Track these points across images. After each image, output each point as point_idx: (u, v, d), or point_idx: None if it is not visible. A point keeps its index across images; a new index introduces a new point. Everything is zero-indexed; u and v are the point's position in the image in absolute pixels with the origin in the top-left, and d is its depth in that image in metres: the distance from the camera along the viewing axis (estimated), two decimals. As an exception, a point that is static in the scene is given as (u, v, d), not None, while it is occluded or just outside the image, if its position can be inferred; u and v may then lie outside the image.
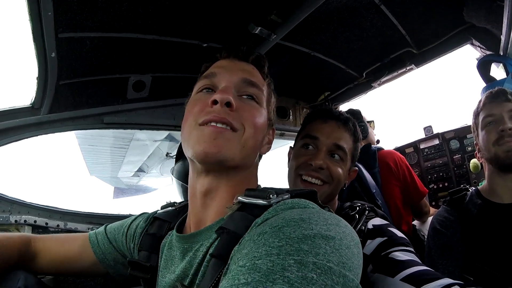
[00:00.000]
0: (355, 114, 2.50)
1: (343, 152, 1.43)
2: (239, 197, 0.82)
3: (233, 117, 0.88)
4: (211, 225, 0.87)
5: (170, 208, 1.15)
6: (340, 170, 1.41)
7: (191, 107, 0.94)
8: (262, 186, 0.96)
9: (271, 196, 0.79)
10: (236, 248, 0.68)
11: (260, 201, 0.78)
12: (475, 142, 1.73)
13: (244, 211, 0.79)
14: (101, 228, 1.23)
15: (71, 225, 2.06)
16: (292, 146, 1.61)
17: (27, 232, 1.92)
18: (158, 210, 1.17)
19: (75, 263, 1.18)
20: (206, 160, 0.86)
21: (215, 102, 0.88)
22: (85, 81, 1.91)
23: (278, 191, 0.82)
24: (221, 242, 0.76)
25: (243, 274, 0.52)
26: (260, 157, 1.07)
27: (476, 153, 1.73)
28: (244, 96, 0.96)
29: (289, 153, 1.61)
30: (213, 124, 0.86)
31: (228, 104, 0.88)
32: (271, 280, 0.49)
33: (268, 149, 1.08)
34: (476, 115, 1.68)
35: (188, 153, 0.91)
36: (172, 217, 1.10)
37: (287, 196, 0.80)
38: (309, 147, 1.45)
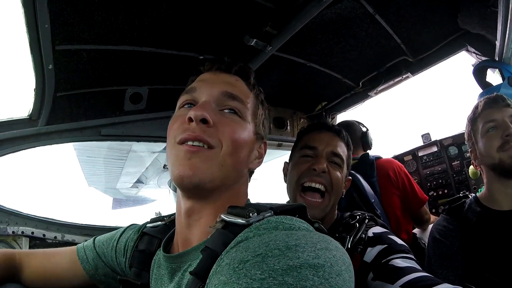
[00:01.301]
0: (349, 126, 2.51)
1: (340, 159, 1.47)
2: (221, 215, 0.78)
3: (209, 133, 0.84)
4: (198, 245, 0.83)
5: (160, 222, 1.10)
6: (339, 174, 1.45)
7: (171, 124, 0.91)
8: (251, 201, 0.93)
9: (251, 214, 0.75)
10: (214, 268, 0.64)
11: (239, 220, 0.74)
12: (470, 149, 1.70)
13: (226, 229, 0.75)
14: (90, 242, 1.19)
15: (68, 237, 2.05)
16: (287, 161, 1.63)
17: (24, 244, 1.92)
18: (147, 223, 1.13)
19: (64, 279, 1.16)
20: (183, 184, 0.83)
21: (190, 119, 0.84)
22: (82, 93, 1.92)
23: (261, 208, 0.78)
24: (201, 260, 0.73)
25: None
26: (251, 173, 1.03)
27: (472, 162, 1.71)
28: (226, 110, 0.91)
29: (284, 169, 1.63)
30: (189, 143, 0.83)
31: (204, 121, 0.84)
32: None
33: (259, 163, 1.03)
34: (473, 121, 1.65)
35: (170, 174, 0.88)
36: (161, 233, 1.05)
37: (269, 213, 0.76)
38: (309, 156, 1.48)
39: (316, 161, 1.44)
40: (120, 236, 1.14)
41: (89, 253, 1.15)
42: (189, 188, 0.84)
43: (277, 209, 0.79)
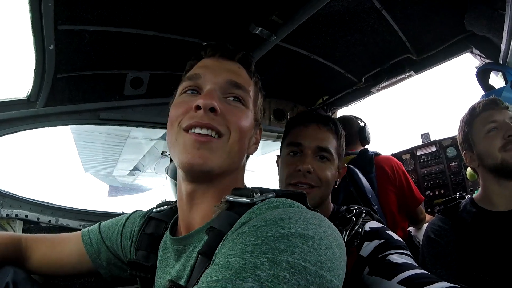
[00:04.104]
0: (346, 121, 2.51)
1: (328, 153, 1.45)
2: (226, 196, 0.83)
3: (218, 122, 0.86)
4: (202, 227, 0.87)
5: (166, 207, 1.14)
6: (328, 172, 1.44)
7: (175, 110, 0.92)
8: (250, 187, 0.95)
9: (254, 194, 0.80)
10: (219, 247, 0.69)
11: (244, 199, 0.79)
12: (464, 152, 1.70)
13: (231, 211, 0.79)
14: (95, 226, 1.22)
15: (62, 221, 2.04)
16: (279, 154, 1.63)
17: (18, 227, 1.90)
18: (153, 208, 1.16)
19: (68, 264, 1.17)
20: (192, 171, 0.85)
21: (198, 107, 0.86)
22: (82, 76, 1.89)
23: (263, 190, 0.83)
24: (208, 240, 0.77)
25: (215, 272, 0.52)
26: (247, 157, 1.05)
27: (468, 165, 1.72)
28: (230, 98, 0.93)
29: (277, 161, 1.64)
30: (197, 131, 0.85)
31: (212, 110, 0.85)
32: (241, 278, 0.49)
33: (256, 149, 1.06)
34: (470, 123, 1.65)
35: (174, 160, 0.90)
36: (168, 217, 1.09)
37: (272, 195, 0.81)
38: (296, 154, 1.48)
39: (301, 160, 1.43)
40: (126, 220, 1.17)
41: (93, 237, 1.18)
42: (197, 174, 0.86)
43: (280, 192, 0.84)
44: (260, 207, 0.75)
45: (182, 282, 0.83)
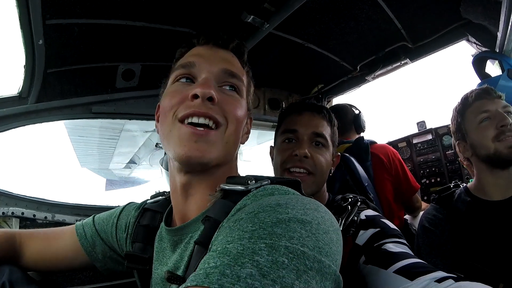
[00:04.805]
0: (341, 109, 2.50)
1: (323, 138, 1.47)
2: (221, 185, 0.82)
3: (215, 111, 0.85)
4: (198, 216, 0.86)
5: (161, 197, 1.13)
6: (323, 158, 1.45)
7: (169, 99, 0.89)
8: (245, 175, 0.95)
9: (249, 182, 0.80)
10: (215, 235, 0.68)
11: (239, 187, 0.79)
12: (457, 142, 1.69)
13: (226, 199, 0.79)
14: (89, 219, 1.20)
15: (58, 216, 2.03)
16: (273, 145, 1.64)
17: (14, 224, 1.90)
18: (147, 200, 1.15)
19: (64, 259, 1.16)
20: (189, 163, 0.83)
21: (195, 96, 0.84)
22: (73, 70, 1.86)
23: (258, 178, 0.83)
24: (204, 229, 0.76)
25: (213, 258, 0.52)
26: (239, 147, 1.04)
27: (461, 158, 1.72)
28: (225, 87, 0.92)
29: (270, 152, 1.65)
30: (194, 120, 0.83)
31: (210, 99, 0.84)
32: (240, 264, 0.48)
33: (247, 138, 1.06)
34: (463, 112, 1.64)
35: (168, 152, 0.88)
36: (163, 207, 1.09)
37: (266, 182, 0.81)
38: (292, 141, 1.49)
39: (297, 146, 1.44)
40: (120, 212, 1.16)
41: (87, 230, 1.16)
42: (194, 166, 0.85)
43: (275, 179, 0.84)
44: (255, 194, 0.75)
45: (179, 272, 0.82)
